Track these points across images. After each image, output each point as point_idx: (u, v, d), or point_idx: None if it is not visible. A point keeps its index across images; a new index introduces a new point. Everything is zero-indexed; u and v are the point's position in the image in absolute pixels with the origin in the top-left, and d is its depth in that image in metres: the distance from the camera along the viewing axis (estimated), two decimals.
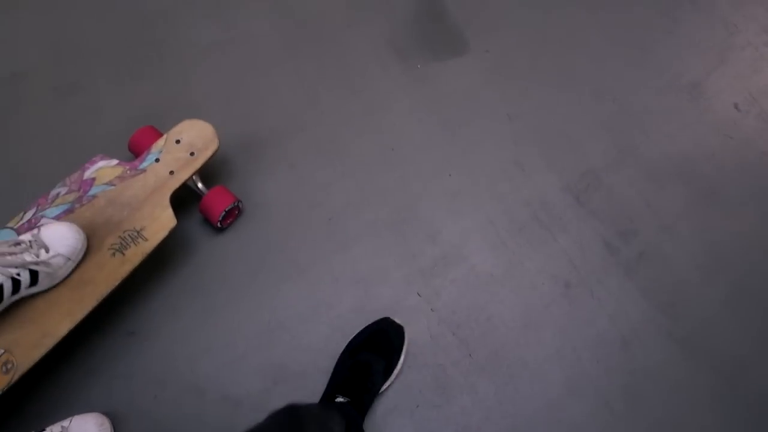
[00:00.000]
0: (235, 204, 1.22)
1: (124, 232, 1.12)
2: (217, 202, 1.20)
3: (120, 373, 1.14)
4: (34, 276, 1.03)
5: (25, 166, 1.32)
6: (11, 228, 1.10)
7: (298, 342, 1.17)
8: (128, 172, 1.16)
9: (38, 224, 1.10)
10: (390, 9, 1.65)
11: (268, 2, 1.63)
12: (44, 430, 1.03)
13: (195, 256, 1.24)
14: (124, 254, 1.10)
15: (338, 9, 1.63)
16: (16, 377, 1.01)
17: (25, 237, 1.06)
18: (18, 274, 1.01)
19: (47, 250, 1.05)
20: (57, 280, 1.07)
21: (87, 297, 1.06)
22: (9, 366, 1.02)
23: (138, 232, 1.11)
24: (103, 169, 1.16)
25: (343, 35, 1.58)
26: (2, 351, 1.03)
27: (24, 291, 1.04)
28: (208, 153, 1.19)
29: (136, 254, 1.10)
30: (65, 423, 1.05)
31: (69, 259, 1.07)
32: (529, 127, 1.49)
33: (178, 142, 1.19)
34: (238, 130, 1.39)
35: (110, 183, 1.14)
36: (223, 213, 1.21)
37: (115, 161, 1.17)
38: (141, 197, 1.14)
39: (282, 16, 1.60)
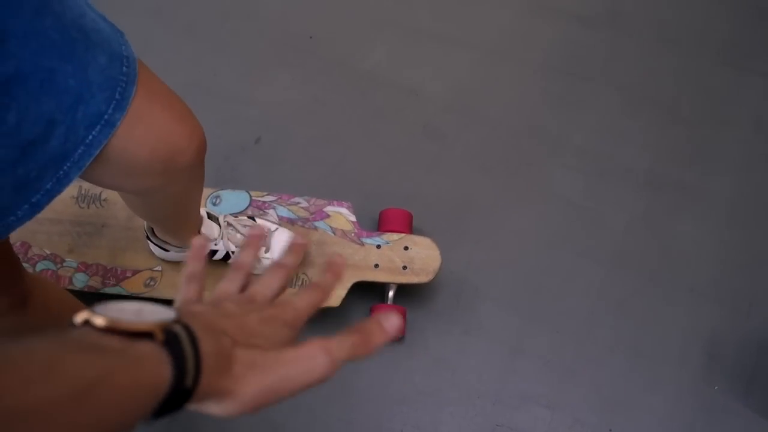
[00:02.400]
0: (397, 336, 1.20)
1: (303, 273, 1.18)
2: None
3: None
4: None
5: (344, 171, 1.51)
6: (248, 194, 1.26)
7: None
8: (352, 234, 1.22)
9: (322, 219, 1.26)
10: (746, 312, 1.39)
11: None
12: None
13: (332, 333, 1.25)
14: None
15: (699, 270, 1.44)
16: (147, 295, 1.18)
17: (264, 226, 1.20)
18: (233, 252, 1.17)
19: (267, 250, 1.19)
20: (257, 272, 1.20)
21: None
22: (151, 283, 1.20)
23: (306, 284, 1.17)
24: (341, 216, 1.24)
25: (675, 292, 1.41)
26: (159, 268, 1.21)
27: (230, 263, 1.19)
28: (415, 279, 1.20)
29: None
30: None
31: None
32: None
33: (406, 248, 1.21)
34: (509, 286, 1.38)
35: (334, 230, 1.21)
36: None
37: (353, 218, 1.25)
38: None
39: (640, 226, 1.47)
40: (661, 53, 1.74)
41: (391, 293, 1.24)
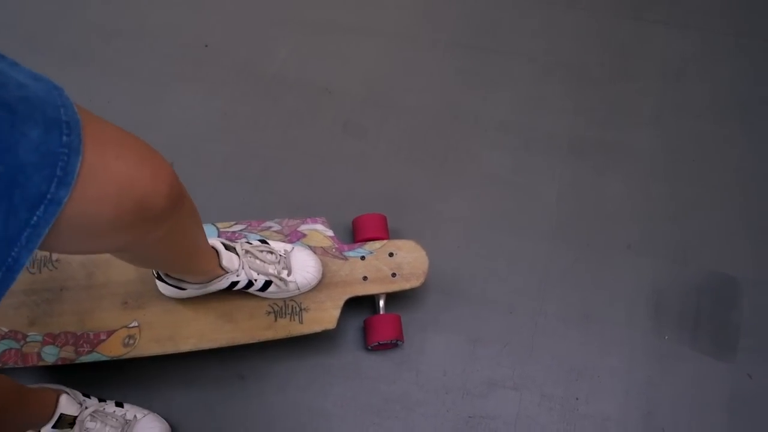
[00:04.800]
0: (394, 342, 1.27)
1: (292, 299, 1.17)
2: (379, 330, 1.26)
3: (216, 408, 1.26)
4: (266, 285, 1.17)
5: (270, 184, 1.49)
6: (215, 227, 1.23)
7: None
8: (333, 250, 1.23)
9: (298, 239, 1.26)
10: (683, 260, 1.57)
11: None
12: (122, 405, 1.16)
13: (335, 352, 1.31)
14: (276, 320, 1.17)
15: (632, 226, 1.58)
16: (128, 355, 1.09)
17: (279, 248, 1.22)
18: (255, 280, 1.15)
19: (289, 272, 1.18)
20: (280, 296, 1.21)
21: (222, 334, 1.16)
22: (131, 342, 1.13)
23: (300, 309, 1.19)
24: (317, 233, 1.25)
25: (615, 252, 1.54)
26: (136, 324, 1.12)
27: (251, 291, 1.19)
28: (407, 285, 1.25)
29: (284, 329, 1.18)
30: (138, 414, 1.16)
31: (299, 288, 1.20)
32: None
33: (391, 255, 1.25)
34: (458, 275, 1.44)
35: (313, 249, 1.20)
36: (377, 343, 1.26)
37: (330, 233, 1.27)
38: (326, 281, 1.22)
39: (572, 192, 1.61)
40: (563, 16, 1.87)
41: (381, 303, 1.28)
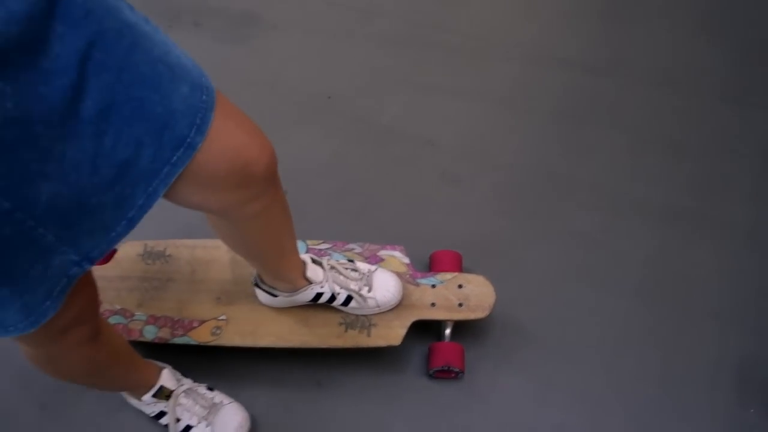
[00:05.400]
0: (455, 371, 1.32)
1: (365, 315, 1.28)
2: (445, 356, 1.32)
3: (294, 409, 1.35)
4: (348, 300, 1.29)
5: (366, 218, 1.63)
6: (305, 243, 1.38)
7: None
8: (407, 276, 1.33)
9: (376, 263, 1.37)
10: (764, 337, 1.51)
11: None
12: (212, 389, 1.28)
13: (398, 370, 1.38)
14: (346, 331, 1.27)
15: (722, 294, 1.55)
16: (213, 343, 1.24)
17: (363, 268, 1.33)
18: (338, 294, 1.28)
19: (369, 289, 1.30)
20: (360, 312, 1.32)
21: (297, 336, 1.28)
22: (218, 332, 1.27)
23: (370, 325, 1.28)
24: (395, 259, 1.36)
25: (701, 319, 1.52)
26: (224, 317, 1.27)
27: (334, 305, 1.31)
28: (471, 316, 1.31)
29: (352, 340, 1.27)
30: (225, 401, 1.27)
31: (378, 306, 1.31)
32: None
33: (460, 286, 1.32)
34: (535, 321, 1.48)
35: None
36: (438, 369, 1.31)
37: (407, 260, 1.37)
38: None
39: (660, 257, 1.61)
40: (664, 95, 1.95)
41: (448, 331, 1.35)
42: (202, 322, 1.28)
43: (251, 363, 1.38)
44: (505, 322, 1.46)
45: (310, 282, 1.24)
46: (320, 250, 1.36)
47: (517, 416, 1.37)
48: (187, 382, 1.26)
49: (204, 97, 0.75)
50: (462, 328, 1.39)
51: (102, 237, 0.73)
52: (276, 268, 1.20)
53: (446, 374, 1.34)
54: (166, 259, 1.32)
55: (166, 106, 0.71)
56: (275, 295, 1.26)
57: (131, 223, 0.75)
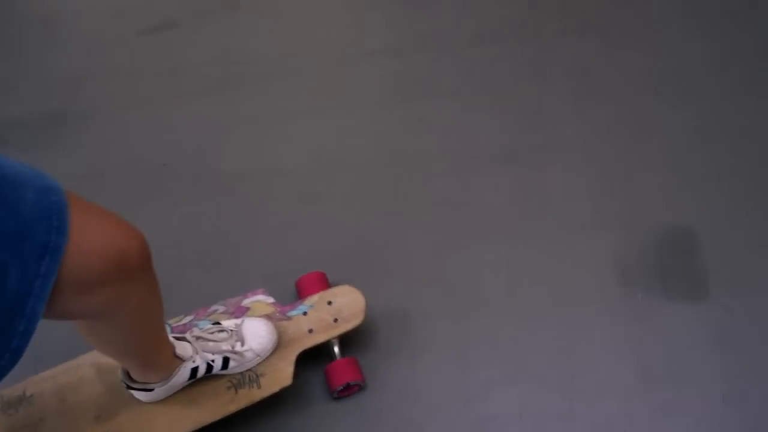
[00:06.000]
0: (358, 383, 1.32)
1: (248, 369, 1.24)
2: (340, 374, 1.31)
3: None
4: (225, 362, 1.25)
5: (235, 265, 1.60)
6: (168, 324, 1.31)
7: None
8: (277, 314, 1.31)
9: (243, 314, 1.33)
10: (634, 224, 1.61)
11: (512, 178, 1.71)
12: None
13: (306, 412, 1.35)
14: (236, 392, 1.24)
15: (580, 208, 1.64)
16: None
17: (230, 324, 1.29)
18: (213, 361, 1.24)
19: (242, 343, 1.26)
20: (243, 369, 1.27)
21: (190, 419, 1.23)
22: None
23: (257, 376, 1.26)
24: (260, 303, 1.33)
25: (571, 235, 1.59)
26: None
27: (214, 373, 1.27)
28: (349, 326, 1.32)
29: (245, 398, 1.24)
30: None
31: (258, 355, 1.27)
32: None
33: (329, 303, 1.32)
34: (406, 301, 1.49)
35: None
36: (341, 387, 1.30)
37: (271, 300, 1.35)
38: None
39: (518, 195, 1.67)
40: (474, 55, 1.99)
41: (336, 349, 1.34)
42: None
43: None
44: (390, 316, 1.46)
45: (182, 359, 1.20)
46: (184, 324, 1.31)
47: (450, 388, 1.37)
48: None
49: (53, 197, 0.72)
50: (350, 340, 1.38)
51: None
52: (150, 359, 1.16)
53: (350, 390, 1.33)
54: (29, 401, 1.24)
55: (16, 218, 0.68)
56: (151, 389, 1.21)
57: (15, 355, 0.70)
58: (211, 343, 1.24)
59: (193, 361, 1.22)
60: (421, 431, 1.34)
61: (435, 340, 1.44)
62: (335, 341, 1.33)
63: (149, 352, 1.14)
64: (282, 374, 1.26)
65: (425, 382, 1.39)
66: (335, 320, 1.31)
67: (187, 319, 1.34)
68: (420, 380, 1.39)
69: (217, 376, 1.26)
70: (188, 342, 1.23)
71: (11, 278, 0.67)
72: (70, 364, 1.29)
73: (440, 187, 1.71)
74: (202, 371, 1.23)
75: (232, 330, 1.27)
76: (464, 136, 1.81)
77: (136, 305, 0.92)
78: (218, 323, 1.30)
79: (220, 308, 1.35)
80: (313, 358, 1.35)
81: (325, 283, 1.41)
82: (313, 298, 1.34)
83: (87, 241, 0.76)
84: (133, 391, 1.21)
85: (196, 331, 1.26)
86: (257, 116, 1.94)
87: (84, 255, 0.75)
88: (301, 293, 1.41)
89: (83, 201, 0.79)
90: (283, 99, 1.97)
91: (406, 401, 1.37)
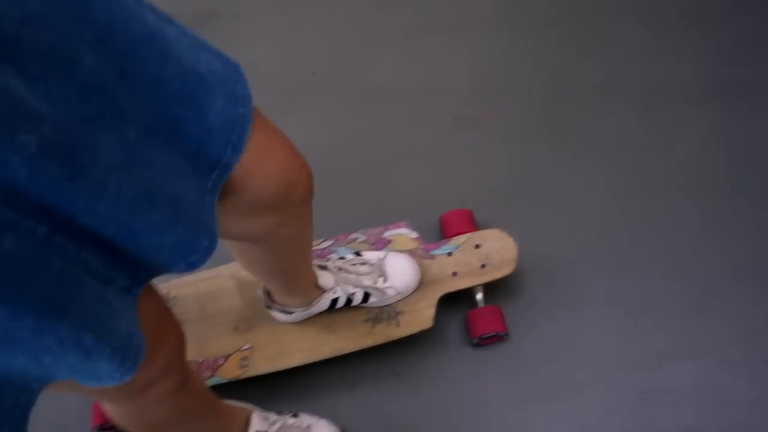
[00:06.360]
0: (500, 334, 1.23)
1: (387, 306, 1.21)
2: (483, 323, 1.22)
3: (379, 407, 1.27)
4: (366, 297, 1.22)
5: (385, 189, 1.51)
6: None
7: None
8: (420, 251, 1.24)
9: (385, 249, 1.27)
10: None
11: None
12: (297, 415, 1.20)
13: (442, 355, 1.28)
14: (374, 327, 1.21)
15: None
16: (243, 376, 1.19)
17: (372, 258, 1.25)
18: (353, 294, 1.20)
19: (385, 279, 1.21)
20: (382, 304, 1.24)
21: (326, 346, 1.21)
22: (245, 363, 1.21)
23: (396, 314, 1.20)
24: (402, 237, 1.26)
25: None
26: (248, 346, 1.22)
27: (354, 306, 1.23)
28: (498, 274, 1.21)
29: (383, 334, 1.20)
30: (312, 421, 1.21)
31: (399, 293, 1.22)
32: None
33: (477, 246, 1.22)
34: (599, 245, 1.35)
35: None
36: (484, 336, 1.22)
37: (415, 234, 1.27)
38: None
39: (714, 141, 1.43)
40: None
41: (479, 296, 1.25)
42: (227, 357, 1.23)
43: (322, 369, 1.28)
44: (568, 255, 1.34)
45: (322, 290, 1.17)
46: (323, 249, 1.28)
47: (613, 354, 1.25)
48: (276, 418, 1.18)
49: (240, 109, 0.66)
50: (494, 287, 1.27)
51: (159, 271, 0.65)
52: (293, 285, 1.14)
53: (490, 339, 1.24)
54: (173, 302, 1.27)
55: (202, 123, 0.62)
56: (291, 312, 1.20)
57: (193, 267, 0.65)
58: (352, 276, 1.20)
59: (334, 293, 1.18)
60: (579, 392, 1.23)
61: (596, 296, 1.31)
62: (479, 288, 1.24)
63: (294, 279, 1.12)
64: (422, 315, 1.20)
65: (584, 341, 1.28)
66: (483, 266, 1.21)
67: (327, 243, 1.30)
68: (576, 338, 1.28)
69: (356, 308, 1.23)
70: (330, 273, 1.19)
71: (191, 189, 0.61)
72: (210, 272, 1.30)
73: (617, 124, 1.51)
74: (341, 303, 1.20)
75: (374, 264, 1.22)
76: (651, 66, 1.58)
77: (293, 234, 0.88)
78: (359, 254, 1.25)
79: (361, 237, 1.29)
80: (453, 300, 1.26)
81: (471, 224, 1.31)
82: (460, 239, 1.24)
83: (260, 164, 0.71)
84: (271, 311, 1.21)
85: (339, 262, 1.21)
86: (414, 27, 1.79)
87: (255, 178, 0.71)
88: (444, 231, 1.32)
89: (266, 120, 0.74)
90: (445, 9, 1.80)
91: (556, 358, 1.27)
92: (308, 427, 1.21)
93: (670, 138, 1.46)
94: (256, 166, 0.69)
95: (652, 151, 1.45)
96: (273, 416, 1.19)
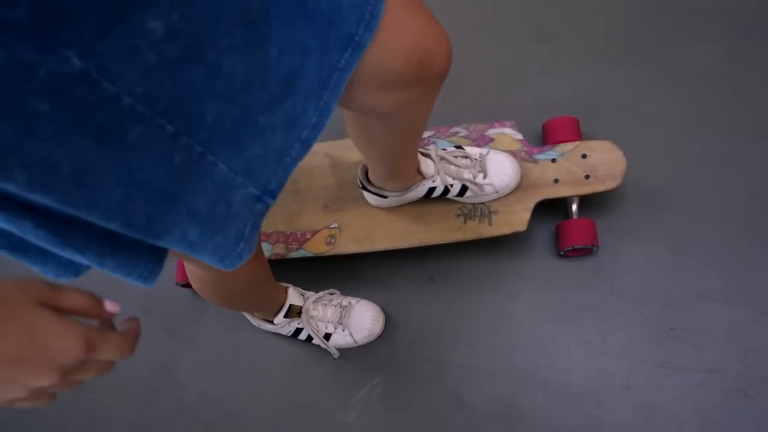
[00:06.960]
0: (590, 247, 1.23)
1: (482, 203, 1.19)
2: (573, 235, 1.23)
3: (411, 307, 1.30)
4: (463, 190, 1.20)
5: (458, 93, 1.42)
6: None
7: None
8: (522, 153, 1.21)
9: (486, 144, 1.25)
10: None
11: None
12: (335, 293, 1.26)
13: (526, 257, 1.30)
14: (465, 222, 1.19)
15: None
16: (330, 252, 1.19)
17: (474, 153, 1.22)
18: (451, 185, 1.18)
19: (485, 176, 1.19)
20: (477, 201, 1.22)
21: (414, 235, 1.20)
22: (332, 240, 1.21)
23: (489, 212, 1.18)
24: (506, 136, 1.23)
25: None
26: (336, 225, 1.21)
27: (449, 197, 1.23)
28: (602, 187, 1.20)
29: (473, 231, 1.19)
30: (352, 301, 1.26)
31: (497, 191, 1.21)
32: None
33: (584, 156, 1.20)
34: (660, 181, 1.33)
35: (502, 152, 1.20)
36: (571, 248, 1.22)
37: (519, 136, 1.24)
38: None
39: None
40: None
41: (574, 207, 1.24)
42: (315, 232, 1.23)
43: (361, 265, 1.33)
44: (630, 187, 1.31)
45: (423, 177, 1.15)
46: (423, 138, 1.25)
47: (648, 287, 1.26)
48: (312, 294, 1.24)
49: None
50: (589, 199, 1.27)
51: (276, 164, 0.63)
52: (398, 167, 1.11)
53: (578, 252, 1.25)
54: None
55: (330, 1, 0.60)
56: (385, 197, 1.18)
57: (305, 146, 0.65)
58: (453, 168, 1.18)
59: (433, 181, 1.16)
60: (606, 320, 1.25)
61: (644, 229, 1.29)
62: (576, 199, 1.23)
63: (401, 160, 1.09)
64: (516, 218, 1.19)
65: (621, 271, 1.27)
66: (587, 176, 1.19)
67: (428, 134, 1.27)
68: (613, 268, 1.28)
69: (450, 201, 1.22)
70: (432, 161, 1.17)
71: (312, 65, 0.60)
72: None
73: (704, 54, 1.45)
74: (438, 192, 1.19)
75: (476, 159, 1.20)
76: None
77: (420, 113, 0.85)
78: (461, 147, 1.23)
79: (462, 131, 1.26)
80: (545, 207, 1.26)
81: (577, 133, 1.28)
82: (567, 146, 1.22)
83: (395, 38, 0.67)
84: (366, 193, 1.19)
85: (441, 152, 1.18)
86: None
87: (389, 52, 0.67)
88: (547, 138, 1.29)
89: None
90: None
91: (590, 285, 1.28)
92: (347, 306, 1.25)
93: (759, 75, 1.41)
94: (384, 42, 0.66)
95: (734, 88, 1.41)
96: (306, 292, 1.25)
